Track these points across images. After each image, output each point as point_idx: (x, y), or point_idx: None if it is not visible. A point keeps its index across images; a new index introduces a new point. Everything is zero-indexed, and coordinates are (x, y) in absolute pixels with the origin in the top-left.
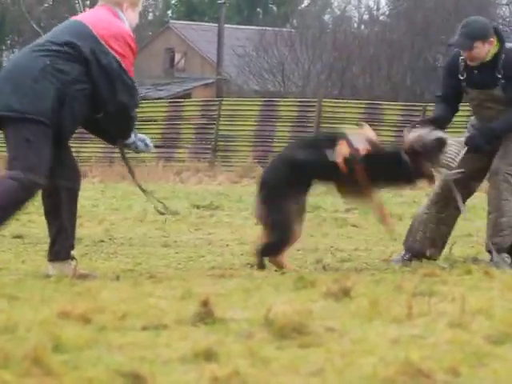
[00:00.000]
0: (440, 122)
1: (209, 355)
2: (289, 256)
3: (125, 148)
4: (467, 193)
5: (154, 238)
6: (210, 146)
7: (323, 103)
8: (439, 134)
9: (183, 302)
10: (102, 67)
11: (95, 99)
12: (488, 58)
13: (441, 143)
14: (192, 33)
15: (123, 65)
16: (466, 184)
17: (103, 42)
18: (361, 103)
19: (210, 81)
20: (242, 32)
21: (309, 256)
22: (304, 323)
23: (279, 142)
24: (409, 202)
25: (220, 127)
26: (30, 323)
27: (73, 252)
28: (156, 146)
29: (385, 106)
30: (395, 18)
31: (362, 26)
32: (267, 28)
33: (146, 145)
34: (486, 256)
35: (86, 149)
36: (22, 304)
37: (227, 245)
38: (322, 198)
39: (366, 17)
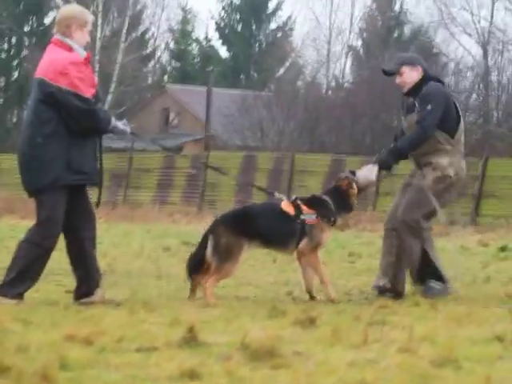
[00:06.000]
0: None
1: (192, 374)
2: (263, 288)
3: (111, 133)
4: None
5: (149, 271)
6: (198, 192)
7: (296, 157)
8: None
9: (172, 327)
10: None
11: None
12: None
13: (352, 172)
14: (185, 95)
15: (77, 91)
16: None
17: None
18: (327, 157)
19: (199, 137)
20: (227, 95)
21: (281, 289)
22: (275, 347)
23: (257, 190)
24: (367, 243)
25: (208, 176)
26: (40, 344)
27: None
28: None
29: (347, 160)
30: (357, 86)
31: (330, 92)
32: (249, 92)
33: (125, 124)
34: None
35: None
36: (35, 328)
37: None
38: None
39: (332, 84)
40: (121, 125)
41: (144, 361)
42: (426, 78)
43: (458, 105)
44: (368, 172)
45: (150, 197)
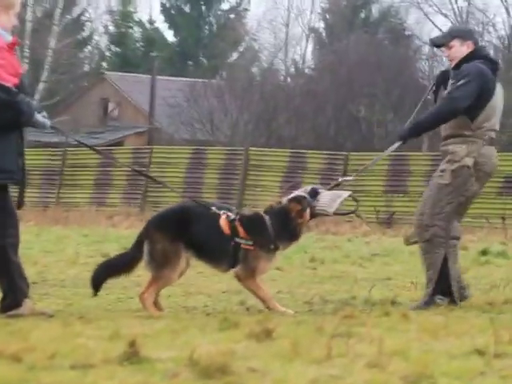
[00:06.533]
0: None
1: None
2: (213, 297)
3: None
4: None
5: (85, 280)
6: (140, 192)
7: (250, 151)
8: (320, 189)
9: (111, 342)
10: None
11: None
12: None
13: (314, 193)
14: (126, 84)
15: None
16: None
17: None
18: (285, 152)
19: (142, 129)
20: (173, 83)
21: (233, 298)
22: (227, 363)
23: (207, 189)
24: (330, 247)
25: (151, 174)
26: None
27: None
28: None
29: (308, 155)
30: (320, 72)
31: (289, 79)
32: (197, 80)
33: (44, 116)
34: (404, 299)
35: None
36: None
37: None
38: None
39: (292, 70)
40: (40, 117)
41: (80, 379)
42: (472, 56)
43: (493, 91)
44: (332, 197)
45: (87, 197)
